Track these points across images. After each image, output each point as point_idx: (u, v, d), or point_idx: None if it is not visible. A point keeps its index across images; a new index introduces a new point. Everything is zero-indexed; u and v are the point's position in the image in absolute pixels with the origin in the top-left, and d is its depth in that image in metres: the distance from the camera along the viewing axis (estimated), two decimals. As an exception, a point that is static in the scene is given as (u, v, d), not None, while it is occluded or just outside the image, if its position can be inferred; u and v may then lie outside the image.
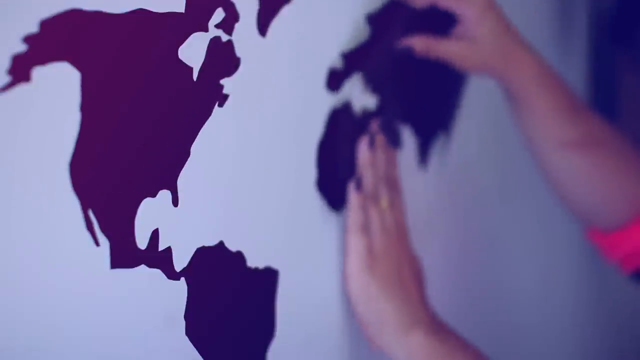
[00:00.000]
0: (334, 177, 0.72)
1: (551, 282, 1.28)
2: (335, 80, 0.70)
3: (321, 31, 0.70)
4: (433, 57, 0.78)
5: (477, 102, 0.98)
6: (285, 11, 0.64)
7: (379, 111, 0.77)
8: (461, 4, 0.78)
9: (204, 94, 0.57)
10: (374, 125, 0.75)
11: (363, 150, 0.74)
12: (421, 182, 0.87)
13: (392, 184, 0.76)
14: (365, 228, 0.72)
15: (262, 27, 0.62)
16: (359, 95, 0.74)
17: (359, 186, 0.72)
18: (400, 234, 0.74)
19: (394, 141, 0.79)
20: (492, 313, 1.01)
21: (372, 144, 0.74)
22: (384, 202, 0.74)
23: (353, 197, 0.72)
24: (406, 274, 0.73)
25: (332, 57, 0.71)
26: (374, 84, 0.76)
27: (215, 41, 0.57)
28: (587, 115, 0.85)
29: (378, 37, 0.74)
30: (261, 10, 0.62)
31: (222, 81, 0.58)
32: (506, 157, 1.10)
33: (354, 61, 0.72)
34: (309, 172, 0.69)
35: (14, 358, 0.45)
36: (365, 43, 0.73)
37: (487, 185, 1.04)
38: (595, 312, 1.48)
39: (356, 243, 0.71)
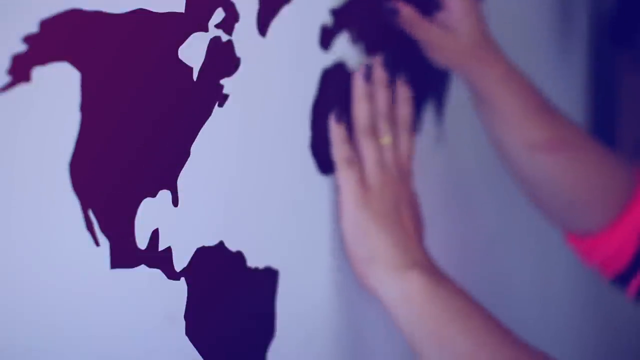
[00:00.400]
0: (327, 138, 0.70)
1: (550, 281, 1.28)
2: (326, 37, 0.69)
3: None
4: (413, 35, 0.77)
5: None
6: (285, 11, 0.64)
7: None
8: None
9: (204, 94, 0.57)
10: (375, 60, 0.74)
11: (357, 82, 0.72)
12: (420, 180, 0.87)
13: (402, 124, 0.74)
14: (353, 162, 0.70)
15: (262, 27, 0.62)
16: (352, 54, 0.73)
17: (338, 119, 0.70)
18: (402, 173, 0.73)
19: (399, 78, 0.76)
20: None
21: (368, 76, 0.72)
22: (386, 139, 0.72)
23: (333, 129, 0.70)
24: (405, 213, 0.71)
25: (332, 57, 0.71)
26: (364, 43, 0.75)
27: (215, 41, 0.57)
28: (557, 118, 0.84)
29: None
30: (261, 10, 0.62)
31: (222, 81, 0.58)
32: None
33: (343, 18, 0.71)
34: (310, 171, 0.69)
35: (14, 358, 0.45)
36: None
37: (483, 184, 1.04)
38: (594, 312, 1.48)
39: (345, 177, 0.69)
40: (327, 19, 0.70)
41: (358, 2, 0.72)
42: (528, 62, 1.20)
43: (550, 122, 0.82)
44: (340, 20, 0.71)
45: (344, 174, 0.70)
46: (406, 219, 0.71)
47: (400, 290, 0.67)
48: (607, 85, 1.53)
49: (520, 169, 0.84)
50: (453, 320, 0.67)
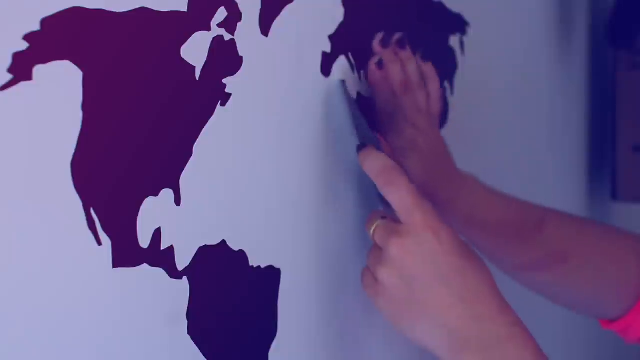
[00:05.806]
0: None
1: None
2: (326, 64, 0.70)
3: (323, 30, 0.70)
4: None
5: (469, 96, 0.98)
6: (287, 10, 0.64)
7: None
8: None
9: (207, 93, 0.57)
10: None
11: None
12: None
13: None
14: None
15: (265, 26, 0.62)
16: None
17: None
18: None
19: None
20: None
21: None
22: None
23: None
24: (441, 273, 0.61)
25: (334, 58, 0.71)
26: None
27: (217, 40, 0.57)
28: (539, 230, 0.78)
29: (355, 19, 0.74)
30: (263, 10, 0.62)
31: (224, 80, 0.58)
32: (503, 162, 1.10)
33: (340, 43, 0.71)
34: (312, 171, 0.69)
35: (14, 358, 0.45)
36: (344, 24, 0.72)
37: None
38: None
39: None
40: (328, 18, 0.70)
41: (350, 27, 0.72)
42: (528, 63, 1.20)
43: (530, 243, 0.78)
44: (338, 46, 0.71)
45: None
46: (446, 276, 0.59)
47: None
48: (607, 86, 1.53)
49: (526, 284, 0.82)
50: None
